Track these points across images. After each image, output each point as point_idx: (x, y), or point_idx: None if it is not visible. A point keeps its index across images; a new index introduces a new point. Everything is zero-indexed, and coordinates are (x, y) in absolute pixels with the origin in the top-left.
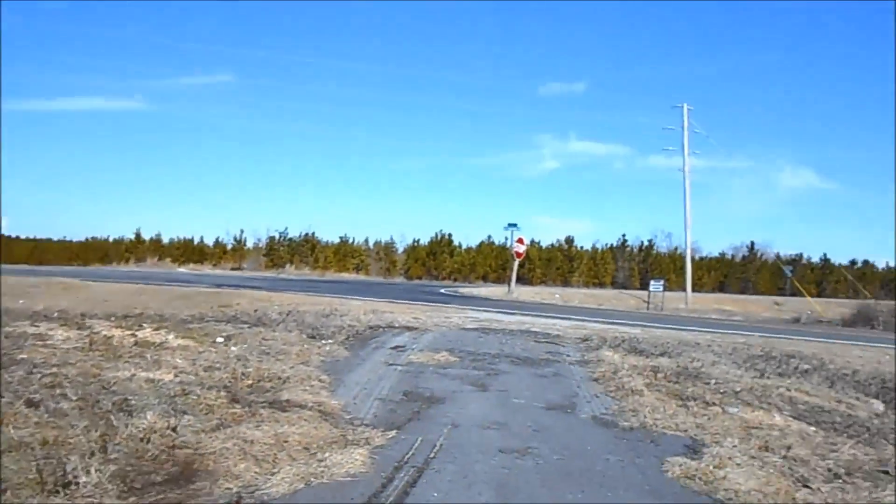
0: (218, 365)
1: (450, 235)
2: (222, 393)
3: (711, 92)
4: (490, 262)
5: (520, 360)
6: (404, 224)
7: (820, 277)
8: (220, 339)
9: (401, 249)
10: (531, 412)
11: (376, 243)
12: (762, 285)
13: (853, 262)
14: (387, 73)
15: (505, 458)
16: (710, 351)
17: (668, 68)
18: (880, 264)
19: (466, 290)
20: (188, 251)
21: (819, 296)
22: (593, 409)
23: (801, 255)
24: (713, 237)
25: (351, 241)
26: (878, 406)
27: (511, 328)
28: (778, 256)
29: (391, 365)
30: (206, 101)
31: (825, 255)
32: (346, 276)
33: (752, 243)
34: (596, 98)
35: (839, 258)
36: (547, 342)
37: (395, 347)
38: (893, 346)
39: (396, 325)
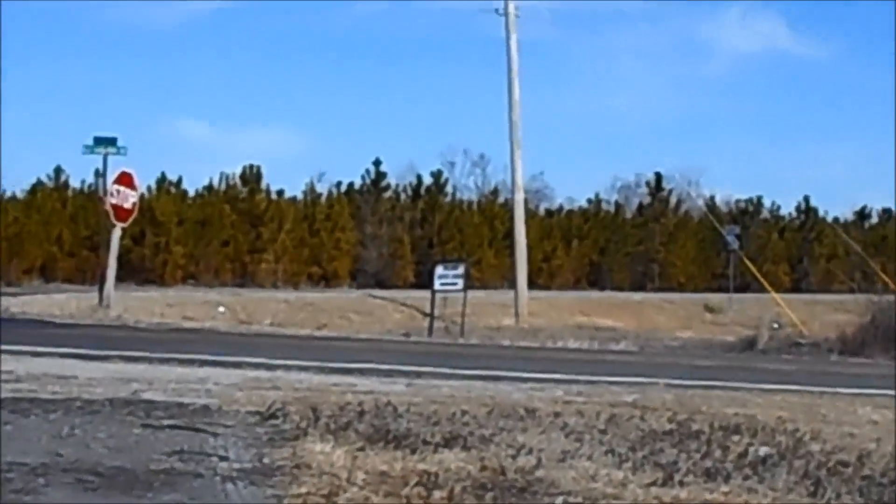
0: None
1: None
2: None
3: None
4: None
5: (102, 477)
6: None
7: (795, 248)
8: None
9: None
10: None
11: None
12: (679, 269)
13: (864, 215)
14: None
15: None
16: (557, 427)
17: None
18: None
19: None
20: None
21: (794, 289)
22: None
23: (756, 202)
24: (575, 168)
25: None
26: None
27: (98, 394)
28: (710, 206)
29: None
30: None
31: (806, 199)
32: None
33: (657, 178)
34: None
35: (830, 204)
36: (180, 426)
37: None
38: None
39: None
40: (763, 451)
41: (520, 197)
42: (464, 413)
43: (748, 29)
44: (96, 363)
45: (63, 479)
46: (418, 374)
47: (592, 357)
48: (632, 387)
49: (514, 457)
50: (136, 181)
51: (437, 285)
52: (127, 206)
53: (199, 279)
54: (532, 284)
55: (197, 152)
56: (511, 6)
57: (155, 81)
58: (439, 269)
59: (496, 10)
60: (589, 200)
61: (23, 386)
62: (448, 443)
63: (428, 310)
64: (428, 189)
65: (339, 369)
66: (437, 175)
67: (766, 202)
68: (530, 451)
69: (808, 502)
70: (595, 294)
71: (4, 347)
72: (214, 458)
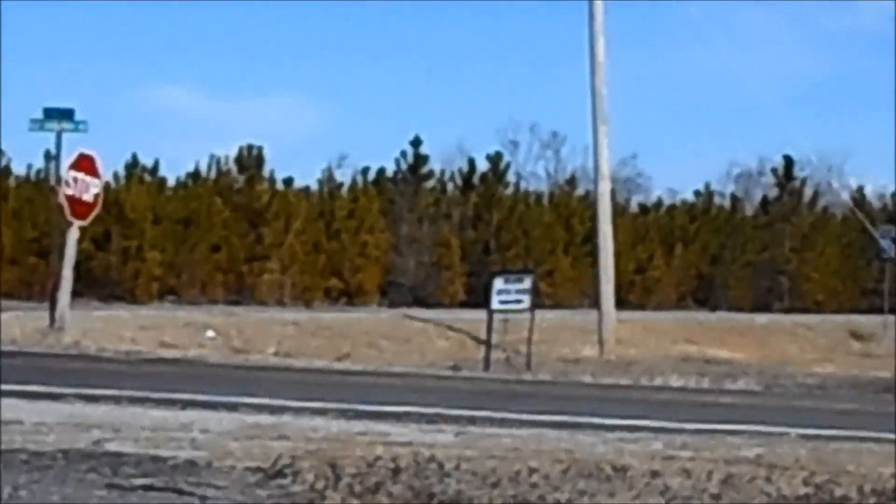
0: None
1: None
2: None
3: None
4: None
5: None
6: None
7: None
8: None
9: None
10: None
11: None
12: (816, 284)
13: None
14: None
15: None
16: (656, 491)
17: None
18: None
19: None
20: None
21: None
22: None
23: None
24: (678, 150)
25: None
26: None
27: (49, 444)
28: (857, 201)
29: None
30: None
31: None
32: None
33: (787, 164)
34: None
35: None
36: (157, 487)
37: None
38: None
39: None
40: None
41: (605, 187)
42: (532, 471)
43: None
44: (46, 403)
45: None
46: (471, 420)
47: (701, 399)
48: (754, 438)
49: None
50: (100, 166)
51: (495, 303)
52: (87, 198)
53: (182, 294)
54: (621, 303)
55: (179, 128)
56: None
57: (123, 35)
58: (498, 283)
59: None
60: (697, 193)
61: None
62: None
63: (483, 336)
64: (483, 177)
65: (366, 413)
66: (494, 159)
67: None
68: None
69: None
70: (704, 316)
71: None
72: None
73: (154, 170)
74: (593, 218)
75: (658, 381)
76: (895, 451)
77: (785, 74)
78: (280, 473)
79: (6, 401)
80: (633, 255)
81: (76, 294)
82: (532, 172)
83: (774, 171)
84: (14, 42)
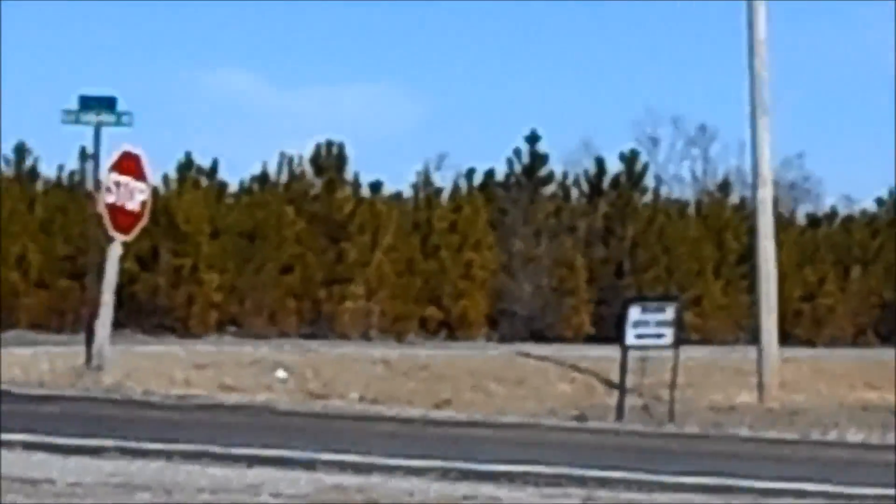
0: None
1: None
2: None
3: None
4: None
5: None
6: None
7: None
8: None
9: None
10: None
11: None
12: None
13: None
14: None
15: None
16: None
17: None
18: None
19: None
20: None
21: None
22: None
23: None
24: (856, 148)
25: None
26: None
27: None
28: None
29: None
30: None
31: None
32: None
33: None
34: None
35: None
36: None
37: None
38: None
39: None
40: None
41: (766, 194)
42: None
43: None
44: (83, 459)
45: None
46: (602, 483)
47: (885, 457)
48: None
49: None
50: (147, 168)
51: (630, 338)
52: (132, 207)
53: (245, 326)
54: (785, 338)
55: (242, 122)
56: None
57: (171, 9)
58: (635, 313)
59: None
60: (879, 201)
61: None
62: None
63: (615, 378)
64: (615, 181)
65: (472, 473)
66: (629, 159)
67: None
68: None
69: None
70: (889, 354)
71: None
72: None
73: (212, 172)
74: (751, 232)
75: (832, 435)
76: None
77: None
78: None
79: (35, 455)
80: (799, 277)
81: (117, 325)
82: (675, 175)
83: None
84: (42, 21)
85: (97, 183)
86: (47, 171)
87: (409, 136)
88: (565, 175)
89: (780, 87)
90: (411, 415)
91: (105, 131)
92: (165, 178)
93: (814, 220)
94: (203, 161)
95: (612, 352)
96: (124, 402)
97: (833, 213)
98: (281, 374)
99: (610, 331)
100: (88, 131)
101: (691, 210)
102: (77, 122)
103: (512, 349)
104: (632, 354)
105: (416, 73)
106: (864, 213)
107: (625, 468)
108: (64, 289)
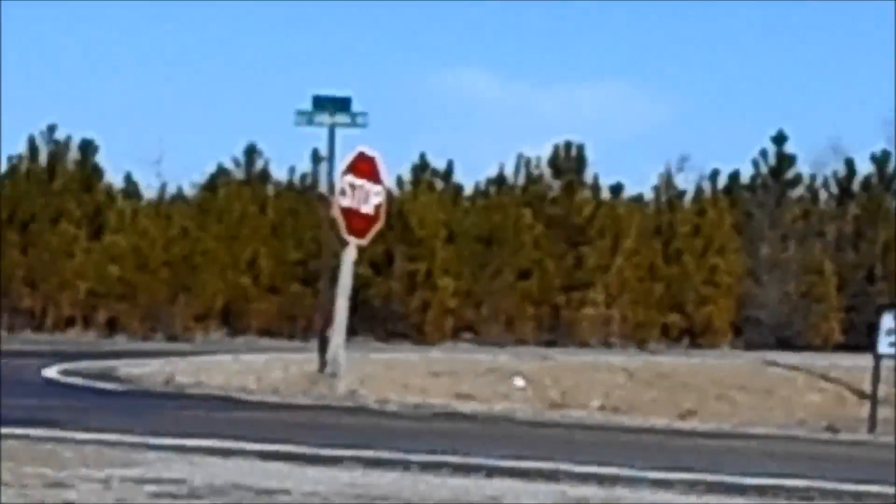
0: None
1: None
2: None
3: None
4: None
5: None
6: None
7: None
8: None
9: None
10: None
11: None
12: None
13: None
14: None
15: None
16: None
17: None
18: None
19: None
20: None
21: None
22: None
23: None
24: None
25: None
26: None
27: None
28: None
29: None
30: None
31: None
32: None
33: None
34: None
35: None
36: None
37: None
38: None
39: None
40: None
41: None
42: None
43: None
44: (319, 469)
45: None
46: (856, 498)
47: None
48: None
49: None
50: (382, 170)
51: (883, 346)
52: (366, 210)
53: (482, 332)
54: None
55: (479, 122)
56: None
57: (401, 8)
58: (888, 320)
59: None
60: None
61: None
62: None
63: (867, 388)
64: (866, 183)
65: (720, 486)
66: (881, 160)
67: None
68: None
69: None
70: None
71: (168, 441)
72: None
73: (447, 174)
74: None
75: None
76: None
77: None
78: None
79: (270, 464)
80: None
81: (350, 331)
82: None
83: None
84: (275, 21)
85: (331, 186)
86: (278, 173)
87: (650, 137)
88: (813, 177)
89: None
90: (654, 425)
91: (338, 133)
92: (399, 181)
93: None
94: (438, 163)
95: (863, 361)
96: (360, 411)
97: None
98: (519, 382)
99: (861, 339)
100: (320, 133)
101: None
102: (310, 123)
103: (758, 357)
104: (885, 364)
105: (657, 70)
106: None
107: (881, 482)
108: (295, 294)
